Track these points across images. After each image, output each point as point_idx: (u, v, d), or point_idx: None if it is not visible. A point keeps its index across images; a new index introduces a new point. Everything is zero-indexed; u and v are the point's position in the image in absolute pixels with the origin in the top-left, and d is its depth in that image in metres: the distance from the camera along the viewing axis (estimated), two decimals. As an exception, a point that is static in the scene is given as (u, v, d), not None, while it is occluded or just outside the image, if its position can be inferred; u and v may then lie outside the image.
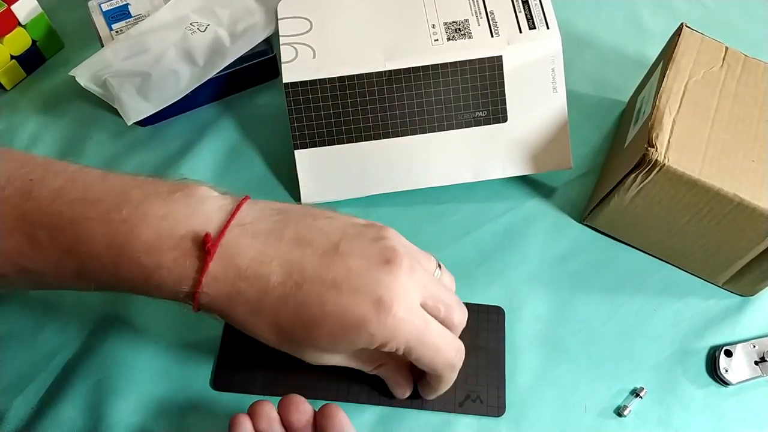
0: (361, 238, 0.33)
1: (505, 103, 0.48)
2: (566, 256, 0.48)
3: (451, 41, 0.47)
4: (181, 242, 0.31)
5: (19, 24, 0.53)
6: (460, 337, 0.41)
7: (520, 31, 0.48)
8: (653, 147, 0.40)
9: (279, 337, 0.33)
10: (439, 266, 0.37)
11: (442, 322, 0.35)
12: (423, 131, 0.48)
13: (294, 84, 0.47)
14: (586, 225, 0.50)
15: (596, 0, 0.64)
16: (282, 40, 0.48)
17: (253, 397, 0.38)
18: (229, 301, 0.32)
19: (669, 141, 0.41)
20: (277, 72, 0.56)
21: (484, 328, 0.44)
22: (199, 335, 0.44)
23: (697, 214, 0.42)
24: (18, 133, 0.53)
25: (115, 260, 0.32)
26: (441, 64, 0.47)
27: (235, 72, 0.53)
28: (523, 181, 0.52)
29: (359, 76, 0.47)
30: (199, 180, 0.35)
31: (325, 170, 0.49)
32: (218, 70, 0.51)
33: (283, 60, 0.47)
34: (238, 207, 0.33)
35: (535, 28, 0.48)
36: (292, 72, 0.47)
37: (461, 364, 0.36)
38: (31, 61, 0.56)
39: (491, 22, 0.48)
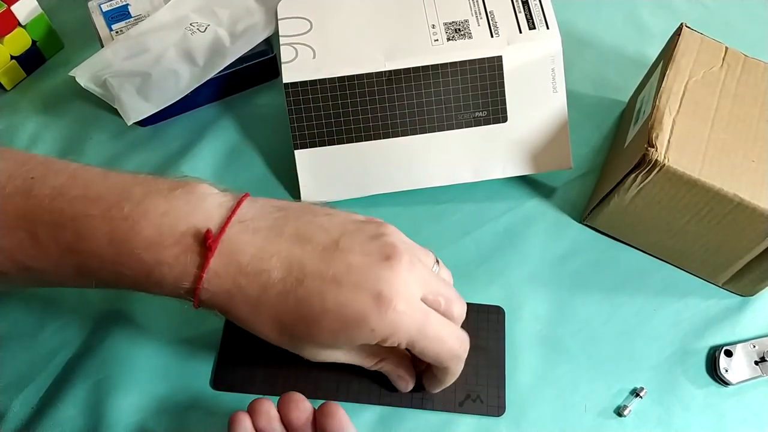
0: (361, 235, 0.34)
1: (505, 103, 0.48)
2: (566, 256, 0.48)
3: (451, 41, 0.47)
4: (182, 239, 0.32)
5: (19, 24, 0.53)
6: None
7: (520, 31, 0.48)
8: (653, 147, 0.40)
9: (279, 333, 0.33)
10: (437, 262, 0.37)
11: (443, 315, 0.35)
12: (423, 131, 0.48)
13: (294, 84, 0.47)
14: (586, 225, 0.50)
15: (596, 0, 0.64)
16: (282, 40, 0.48)
17: (253, 397, 0.38)
18: (230, 297, 0.32)
19: (669, 141, 0.41)
20: (277, 72, 0.56)
21: (484, 328, 0.44)
22: (199, 335, 0.44)
23: (697, 214, 0.42)
24: (18, 133, 0.53)
25: (116, 257, 0.32)
26: (441, 64, 0.47)
27: (235, 72, 0.53)
28: (523, 181, 0.52)
29: (359, 76, 0.47)
30: (199, 177, 0.35)
31: (325, 170, 0.49)
32: (218, 70, 0.51)
33: (283, 60, 0.47)
34: (238, 204, 0.33)
35: (535, 28, 0.48)
36: (292, 72, 0.47)
37: (466, 355, 0.36)
38: (31, 61, 0.56)
39: (491, 22, 0.48)
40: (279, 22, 0.48)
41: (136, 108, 0.49)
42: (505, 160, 0.49)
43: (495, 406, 0.41)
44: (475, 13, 0.48)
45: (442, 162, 0.49)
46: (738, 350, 0.44)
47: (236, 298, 0.32)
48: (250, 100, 0.56)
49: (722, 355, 0.44)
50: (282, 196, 0.50)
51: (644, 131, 0.42)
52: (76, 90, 0.51)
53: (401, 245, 0.33)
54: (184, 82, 0.50)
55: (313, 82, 0.47)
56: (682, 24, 0.47)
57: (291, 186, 0.50)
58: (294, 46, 0.48)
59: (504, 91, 0.48)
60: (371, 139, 0.48)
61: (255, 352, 0.42)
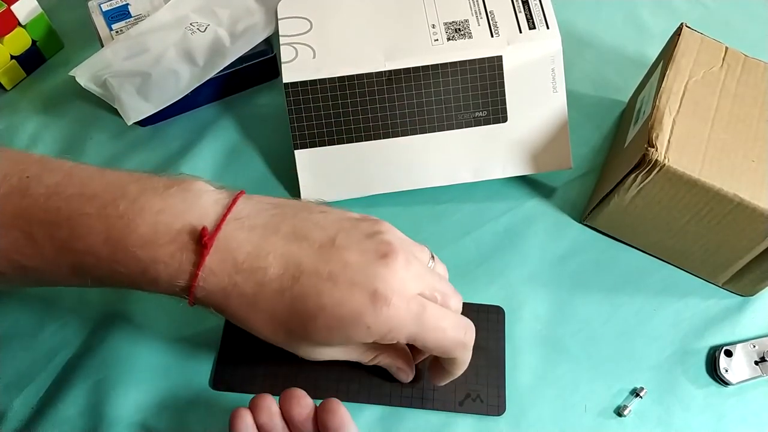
0: (357, 232, 0.34)
1: (505, 103, 0.48)
2: (566, 256, 0.48)
3: (451, 41, 0.47)
4: (177, 236, 0.32)
5: (19, 24, 0.53)
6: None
7: (520, 31, 0.48)
8: (653, 147, 0.40)
9: (275, 331, 0.33)
10: (433, 257, 0.37)
11: None
12: (423, 131, 0.48)
13: (294, 84, 0.47)
14: (586, 225, 0.50)
15: (596, 0, 0.64)
16: (282, 40, 0.48)
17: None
18: (225, 294, 0.32)
19: (669, 141, 0.41)
20: (277, 72, 0.56)
21: (484, 328, 0.44)
22: (199, 335, 0.44)
23: (697, 214, 0.42)
24: (18, 133, 0.53)
25: (111, 255, 0.32)
26: (441, 64, 0.47)
27: (235, 72, 0.53)
28: (523, 181, 0.52)
29: (359, 76, 0.47)
30: (194, 175, 0.35)
31: (325, 170, 0.49)
32: (218, 70, 0.51)
33: (283, 60, 0.47)
34: (234, 201, 0.33)
35: (535, 28, 0.48)
36: (292, 72, 0.47)
37: (473, 342, 0.36)
38: (31, 61, 0.56)
39: (491, 22, 0.48)
40: (279, 22, 0.48)
41: (136, 108, 0.49)
42: (505, 160, 0.49)
43: (495, 406, 0.41)
44: (475, 12, 0.48)
45: (442, 162, 0.49)
46: (738, 350, 0.44)
47: (232, 296, 0.32)
48: (250, 100, 0.56)
49: (722, 355, 0.44)
50: (282, 196, 0.50)
51: (644, 131, 0.42)
52: (76, 90, 0.51)
53: (397, 243, 0.34)
54: (184, 82, 0.50)
55: (313, 82, 0.47)
56: (682, 24, 0.47)
57: (291, 186, 0.50)
58: (294, 46, 0.48)
59: (504, 91, 0.48)
60: (371, 139, 0.48)
61: (255, 352, 0.42)
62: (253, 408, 0.35)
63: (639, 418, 0.42)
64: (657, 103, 0.42)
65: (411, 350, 0.41)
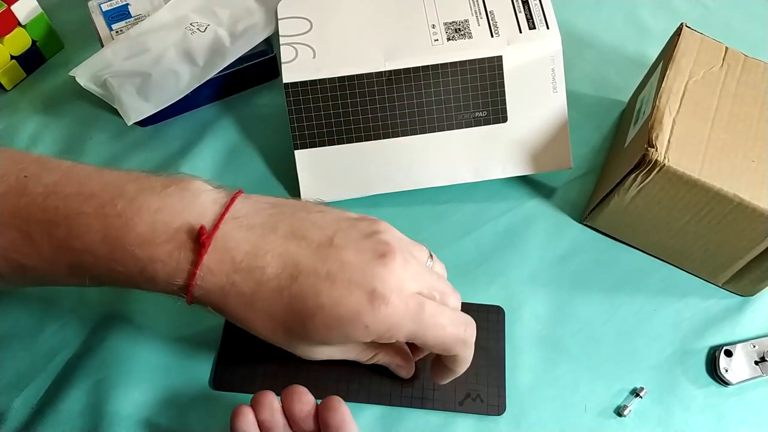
0: (355, 232, 0.34)
1: (505, 103, 0.48)
2: (566, 256, 0.48)
3: (451, 41, 0.47)
4: (175, 235, 0.32)
5: (19, 24, 0.53)
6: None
7: (520, 31, 0.48)
8: (653, 147, 0.40)
9: (273, 330, 0.33)
10: (431, 256, 0.37)
11: None
12: (423, 131, 0.48)
13: (294, 84, 0.47)
14: (586, 225, 0.50)
15: (596, 0, 0.64)
16: (282, 40, 0.48)
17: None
18: (223, 293, 0.32)
19: (669, 141, 0.41)
20: (277, 72, 0.56)
21: (484, 328, 0.44)
22: (199, 335, 0.44)
23: (697, 214, 0.42)
24: (18, 133, 0.53)
25: (109, 254, 0.32)
26: (441, 64, 0.47)
27: (235, 72, 0.53)
28: (523, 181, 0.52)
29: (359, 76, 0.47)
30: (193, 174, 0.35)
31: (325, 170, 0.49)
32: (218, 70, 0.51)
33: (283, 60, 0.47)
34: (232, 200, 0.33)
35: (535, 28, 0.48)
36: (292, 72, 0.47)
37: (474, 338, 0.36)
38: (31, 61, 0.56)
39: (491, 22, 0.48)
40: (279, 22, 0.48)
41: (136, 108, 0.49)
42: (505, 160, 0.49)
43: (495, 406, 0.41)
44: (475, 13, 0.48)
45: (442, 162, 0.49)
46: (738, 350, 0.44)
47: (230, 295, 0.32)
48: (250, 100, 0.56)
49: (722, 355, 0.44)
50: (282, 196, 0.50)
51: (644, 131, 0.42)
52: (76, 90, 0.51)
53: (395, 242, 0.34)
54: (184, 82, 0.50)
55: (313, 82, 0.47)
56: (682, 24, 0.47)
57: (291, 186, 0.50)
58: (294, 46, 0.48)
59: (504, 91, 0.48)
60: (371, 139, 0.48)
61: (255, 352, 0.42)
62: (254, 404, 0.35)
63: (639, 418, 0.42)
64: (657, 103, 0.42)
65: (410, 347, 0.41)
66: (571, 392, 0.43)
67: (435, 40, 0.47)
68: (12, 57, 0.54)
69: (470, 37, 0.47)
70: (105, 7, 0.52)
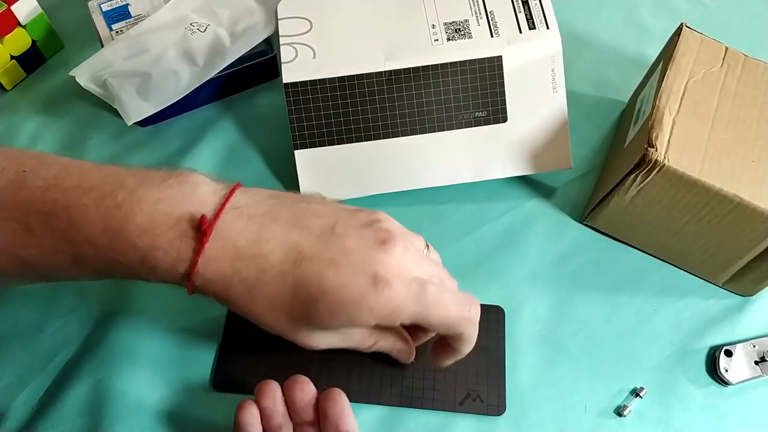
0: (356, 221, 0.34)
1: (505, 103, 0.48)
2: (566, 256, 0.48)
3: (451, 41, 0.47)
4: (176, 224, 0.32)
5: (19, 24, 0.53)
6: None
7: (520, 32, 0.48)
8: (653, 147, 0.40)
9: (276, 317, 0.34)
10: (427, 246, 0.38)
11: None
12: (423, 131, 0.48)
13: (294, 84, 0.47)
14: (586, 225, 0.50)
15: (596, 0, 0.64)
16: (282, 40, 0.48)
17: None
18: (226, 281, 0.32)
19: (669, 141, 0.41)
20: (277, 72, 0.56)
21: (484, 328, 0.44)
22: (200, 335, 0.44)
23: (697, 214, 0.42)
24: (18, 133, 0.53)
25: (109, 244, 0.32)
26: (441, 64, 0.47)
27: (235, 72, 0.53)
28: (523, 181, 0.52)
29: (359, 76, 0.47)
30: (191, 168, 0.35)
31: (325, 170, 0.49)
32: (218, 70, 0.51)
33: (283, 60, 0.47)
34: (231, 191, 0.34)
35: (535, 28, 0.48)
36: (292, 72, 0.47)
37: (479, 318, 0.36)
38: (31, 61, 0.56)
39: (491, 22, 0.48)
40: (279, 22, 0.48)
41: (136, 108, 0.49)
42: (505, 160, 0.49)
43: (495, 406, 0.41)
44: (475, 13, 0.48)
45: (442, 162, 0.49)
46: (738, 350, 0.44)
47: (233, 283, 0.32)
48: (250, 100, 0.56)
49: (722, 355, 0.44)
50: (282, 195, 0.50)
51: (644, 131, 0.42)
52: (76, 90, 0.51)
53: (395, 230, 0.34)
54: (184, 82, 0.50)
55: (313, 82, 0.47)
56: (682, 24, 0.47)
57: (291, 186, 0.50)
58: (294, 46, 0.48)
59: (504, 91, 0.48)
60: (371, 139, 0.48)
61: (255, 352, 0.43)
62: (257, 392, 0.36)
63: (639, 418, 0.42)
64: (657, 103, 0.42)
65: (411, 332, 0.41)
66: (571, 392, 0.43)
67: (435, 40, 0.47)
68: (12, 57, 0.54)
69: (470, 37, 0.47)
70: (105, 7, 0.52)
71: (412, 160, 0.48)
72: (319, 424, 0.36)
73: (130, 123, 0.49)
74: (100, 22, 0.52)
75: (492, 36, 0.47)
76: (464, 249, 0.48)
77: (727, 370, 0.43)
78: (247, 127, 0.54)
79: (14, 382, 0.41)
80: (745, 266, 0.44)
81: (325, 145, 0.48)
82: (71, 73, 0.50)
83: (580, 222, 0.50)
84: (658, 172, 0.40)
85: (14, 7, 0.52)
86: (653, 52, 0.52)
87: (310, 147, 0.48)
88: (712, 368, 0.44)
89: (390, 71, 0.47)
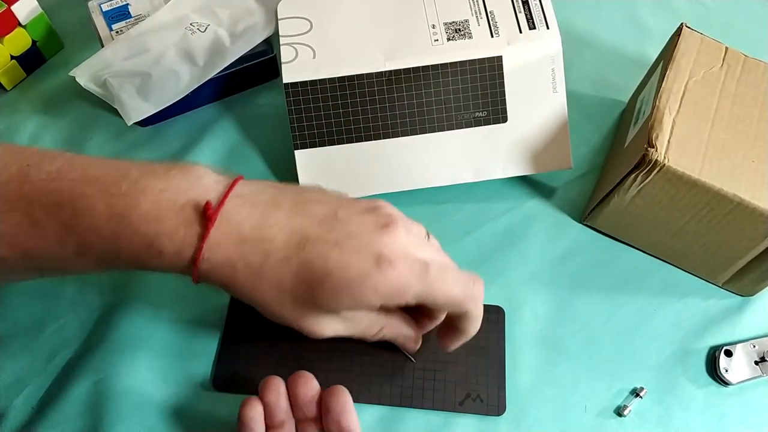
0: (357, 207, 0.35)
1: (505, 103, 0.48)
2: (566, 256, 0.48)
3: (451, 41, 0.47)
4: (181, 211, 0.32)
5: (19, 24, 0.53)
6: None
7: (520, 32, 0.48)
8: (653, 147, 0.40)
9: (281, 301, 0.34)
10: (428, 234, 0.38)
11: None
12: (423, 131, 0.48)
13: (294, 84, 0.47)
14: (586, 225, 0.50)
15: (596, 0, 0.64)
16: (282, 40, 0.48)
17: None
18: (232, 266, 0.33)
19: (669, 141, 0.41)
20: (277, 72, 0.56)
21: (484, 328, 0.44)
22: (200, 335, 0.44)
23: (697, 214, 0.42)
24: (18, 133, 0.53)
25: (115, 232, 0.32)
26: (441, 64, 0.47)
27: (235, 72, 0.53)
28: (523, 181, 0.52)
29: (359, 76, 0.47)
30: (193, 161, 0.35)
31: (325, 170, 0.49)
32: (218, 70, 0.51)
33: (283, 60, 0.47)
34: (234, 181, 0.34)
35: (535, 28, 0.48)
36: (292, 72, 0.47)
37: (483, 295, 0.36)
38: (31, 61, 0.56)
39: (491, 22, 0.48)
40: (279, 22, 0.48)
41: (136, 108, 0.49)
42: (505, 160, 0.49)
43: (495, 406, 0.41)
44: (475, 13, 0.48)
45: (442, 162, 0.49)
46: (738, 350, 0.44)
47: (238, 267, 0.33)
48: (250, 100, 0.56)
49: (722, 355, 0.44)
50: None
51: (644, 131, 0.42)
52: (76, 90, 0.51)
53: (396, 215, 0.35)
54: (184, 82, 0.50)
55: (313, 82, 0.47)
56: (682, 24, 0.47)
57: (291, 186, 0.50)
58: (294, 46, 0.48)
59: (504, 91, 0.48)
60: (371, 139, 0.48)
61: (255, 352, 0.43)
62: (262, 387, 0.36)
63: (639, 418, 0.42)
64: (657, 103, 0.42)
65: (416, 320, 0.40)
66: (571, 392, 0.43)
67: (435, 40, 0.47)
68: (12, 57, 0.54)
69: (470, 37, 0.47)
70: (105, 7, 0.52)
71: (412, 160, 0.48)
72: (321, 422, 0.36)
73: (130, 123, 0.49)
74: (100, 22, 0.52)
75: (492, 36, 0.47)
76: (464, 249, 0.48)
77: (727, 370, 0.43)
78: (247, 127, 0.54)
79: (14, 382, 0.42)
80: (745, 266, 0.44)
81: (325, 145, 0.48)
82: (71, 73, 0.50)
83: (580, 222, 0.50)
84: (658, 172, 0.40)
85: (14, 7, 0.52)
86: (653, 52, 0.52)
87: (310, 147, 0.48)
88: (712, 368, 0.44)
89: (390, 71, 0.47)
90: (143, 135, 0.53)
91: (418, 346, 0.41)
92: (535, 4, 0.48)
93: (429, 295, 0.33)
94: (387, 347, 0.43)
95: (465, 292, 0.35)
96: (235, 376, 0.42)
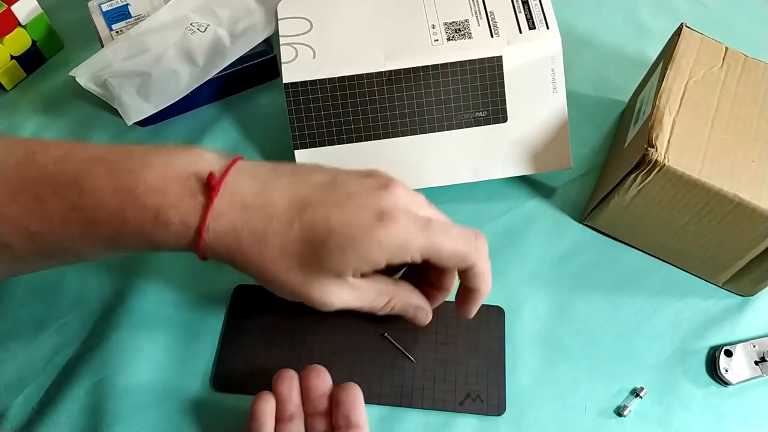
0: (355, 174, 0.35)
1: (505, 103, 0.48)
2: (566, 256, 0.48)
3: (451, 41, 0.47)
4: (186, 182, 0.33)
5: (19, 24, 0.53)
6: (459, 336, 0.40)
7: (520, 32, 0.48)
8: (653, 147, 0.40)
9: (287, 267, 0.34)
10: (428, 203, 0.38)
11: None
12: (423, 131, 0.48)
13: (294, 84, 0.47)
14: (586, 225, 0.50)
15: (596, 0, 0.64)
16: (282, 40, 0.48)
17: (253, 398, 0.38)
18: (236, 233, 0.33)
19: (669, 141, 0.41)
20: (277, 72, 0.56)
21: (484, 328, 0.44)
22: (200, 335, 0.44)
23: (697, 214, 0.42)
24: (18, 133, 0.53)
25: (121, 205, 0.32)
26: (441, 64, 0.47)
27: (235, 72, 0.53)
28: (523, 181, 0.52)
29: (359, 76, 0.47)
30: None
31: (325, 170, 0.49)
32: (218, 70, 0.51)
33: (283, 60, 0.47)
34: (235, 159, 0.35)
35: (535, 28, 0.48)
36: (292, 72, 0.47)
37: (487, 249, 0.36)
38: (31, 61, 0.56)
39: (491, 22, 0.48)
40: (279, 22, 0.48)
41: (136, 108, 0.49)
42: (505, 160, 0.49)
43: (495, 406, 0.41)
44: (475, 13, 0.48)
45: (442, 162, 0.49)
46: (738, 350, 0.44)
47: (243, 234, 0.33)
48: (250, 100, 0.56)
49: (722, 355, 0.44)
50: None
51: (644, 131, 0.42)
52: (76, 90, 0.51)
53: (396, 179, 0.35)
54: (184, 82, 0.50)
55: (313, 82, 0.47)
56: (682, 24, 0.47)
57: (291, 186, 0.50)
58: (294, 46, 0.48)
59: (504, 91, 0.48)
60: (371, 139, 0.48)
61: (255, 352, 0.43)
62: (276, 379, 0.38)
63: (639, 418, 0.42)
64: (657, 103, 0.42)
65: (425, 293, 0.40)
66: (571, 392, 0.43)
67: (435, 40, 0.47)
68: (12, 57, 0.54)
69: (470, 37, 0.47)
70: (105, 7, 0.52)
71: (412, 160, 0.48)
72: (330, 417, 0.37)
73: (130, 123, 0.49)
74: (100, 22, 0.52)
75: (492, 36, 0.47)
76: (464, 249, 0.48)
77: (727, 370, 0.43)
78: (247, 127, 0.54)
79: (14, 382, 0.42)
80: (745, 266, 0.44)
81: (325, 145, 0.48)
82: (71, 73, 0.50)
83: (580, 222, 0.50)
84: (658, 172, 0.40)
85: (14, 7, 0.52)
86: (653, 52, 0.52)
87: (310, 147, 0.48)
88: (712, 368, 0.44)
89: (390, 71, 0.47)
90: (143, 135, 0.53)
91: (429, 318, 0.41)
92: (535, 4, 0.48)
93: (433, 249, 0.34)
94: (387, 347, 0.43)
95: (468, 242, 0.35)
96: (235, 376, 0.42)
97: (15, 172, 0.33)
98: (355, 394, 0.37)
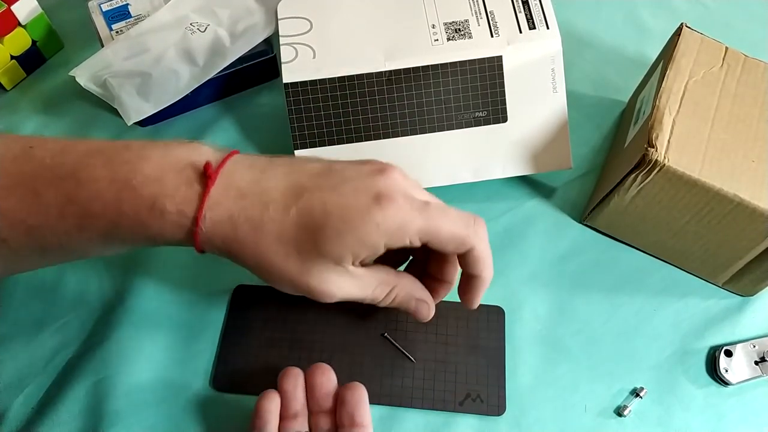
0: (352, 162, 0.35)
1: (505, 103, 0.48)
2: (566, 256, 0.48)
3: (451, 41, 0.47)
4: (182, 172, 0.33)
5: (19, 24, 0.53)
6: (459, 336, 0.40)
7: (520, 32, 0.48)
8: (653, 147, 0.40)
9: (285, 255, 0.33)
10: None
11: None
12: (423, 131, 0.48)
13: (294, 84, 0.47)
14: (586, 225, 0.50)
15: (596, 0, 0.64)
16: (282, 40, 0.48)
17: (253, 398, 0.38)
18: (232, 221, 0.33)
19: (669, 141, 0.41)
20: (277, 72, 0.56)
21: (484, 328, 0.44)
22: (200, 336, 0.44)
23: (697, 214, 0.42)
24: (18, 133, 0.53)
25: (117, 196, 0.32)
26: (441, 64, 0.47)
27: (235, 72, 0.53)
28: (523, 181, 0.52)
29: (359, 76, 0.47)
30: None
31: (325, 170, 0.49)
32: (218, 70, 0.51)
33: (283, 60, 0.47)
34: (231, 153, 0.35)
35: (535, 28, 0.48)
36: (292, 72, 0.47)
37: (486, 233, 0.36)
38: (31, 61, 0.56)
39: (491, 22, 0.48)
40: (279, 22, 0.48)
41: (136, 108, 0.49)
42: (505, 160, 0.49)
43: (495, 406, 0.41)
44: (475, 13, 0.48)
45: (442, 162, 0.49)
46: (738, 350, 0.44)
47: (239, 222, 0.33)
48: (250, 100, 0.56)
49: (722, 355, 0.44)
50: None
51: (644, 131, 0.42)
52: (76, 90, 0.51)
53: (392, 164, 0.35)
54: (184, 82, 0.50)
55: (313, 82, 0.47)
56: (682, 24, 0.47)
57: (291, 186, 0.50)
58: (294, 46, 0.48)
59: (504, 91, 0.48)
60: (371, 139, 0.48)
61: (255, 352, 0.43)
62: (282, 376, 0.38)
63: (639, 418, 0.42)
64: (657, 103, 0.42)
65: (428, 286, 0.40)
66: (571, 392, 0.43)
67: (435, 40, 0.47)
68: (12, 57, 0.54)
69: (470, 37, 0.47)
70: (105, 7, 0.52)
71: (412, 160, 0.48)
72: (334, 415, 0.37)
73: (130, 123, 0.49)
74: (100, 22, 0.52)
75: (492, 36, 0.47)
76: (464, 249, 0.48)
77: (727, 370, 0.43)
78: (247, 127, 0.54)
79: (14, 382, 0.42)
80: (745, 266, 0.44)
81: (326, 145, 0.48)
82: (71, 73, 0.50)
83: (580, 222, 0.50)
84: (658, 172, 0.40)
85: (14, 7, 0.52)
86: (653, 52, 0.52)
87: (310, 147, 0.48)
88: (712, 368, 0.44)
89: (390, 71, 0.47)
90: (143, 135, 0.53)
91: (432, 313, 0.40)
92: (535, 4, 0.48)
93: (432, 232, 0.33)
94: (387, 347, 0.43)
95: (467, 227, 0.35)
96: (235, 376, 0.42)
97: (12, 166, 0.33)
98: (360, 393, 0.37)
